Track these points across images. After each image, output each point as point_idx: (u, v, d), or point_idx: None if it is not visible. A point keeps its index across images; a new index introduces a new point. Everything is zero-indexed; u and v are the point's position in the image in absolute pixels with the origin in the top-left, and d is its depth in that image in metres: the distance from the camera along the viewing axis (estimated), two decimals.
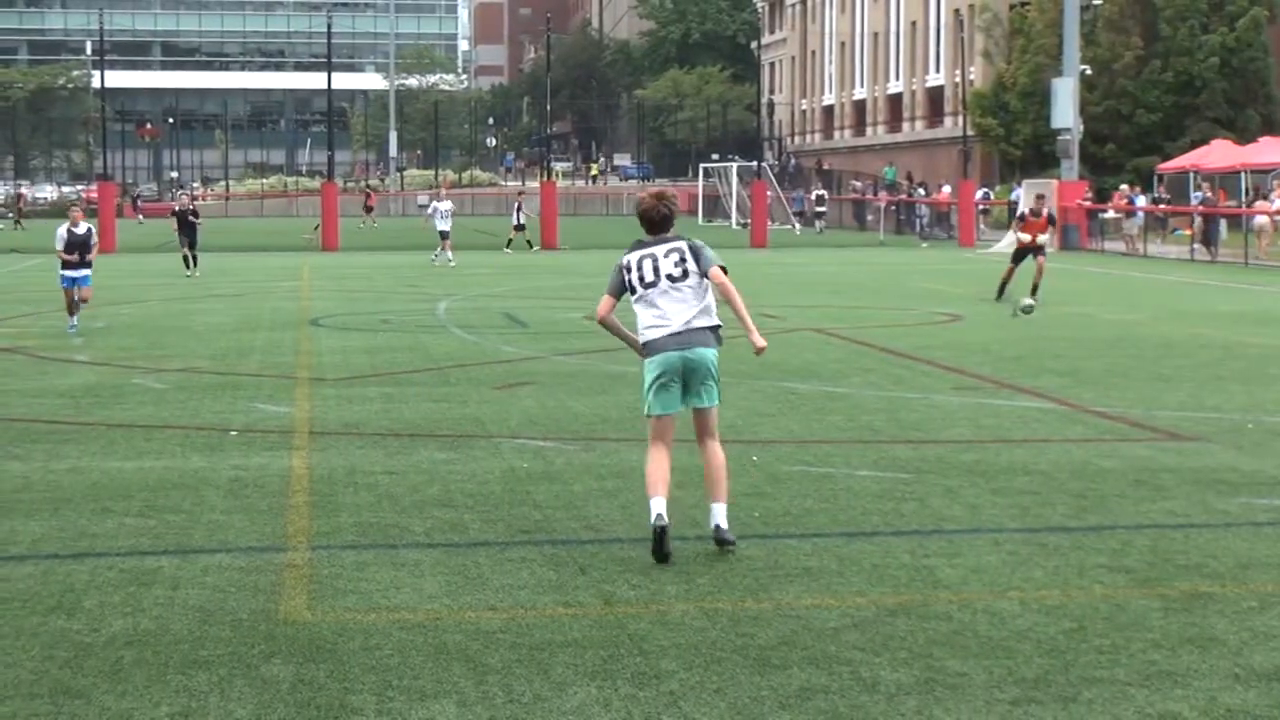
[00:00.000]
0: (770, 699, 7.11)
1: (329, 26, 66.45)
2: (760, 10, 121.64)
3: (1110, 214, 55.98)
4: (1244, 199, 55.46)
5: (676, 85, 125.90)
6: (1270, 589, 9.05)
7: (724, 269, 9.95)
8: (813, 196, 74.93)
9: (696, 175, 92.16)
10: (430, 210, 52.33)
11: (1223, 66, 68.68)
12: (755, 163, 73.30)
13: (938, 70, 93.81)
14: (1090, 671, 7.51)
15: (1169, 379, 18.72)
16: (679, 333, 9.81)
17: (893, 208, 73.45)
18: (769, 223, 64.01)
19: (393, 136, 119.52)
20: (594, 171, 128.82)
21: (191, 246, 40.85)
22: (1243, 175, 57.77)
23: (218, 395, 17.25)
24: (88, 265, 24.94)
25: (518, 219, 55.40)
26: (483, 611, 8.53)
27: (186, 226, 40.86)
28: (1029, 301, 25.81)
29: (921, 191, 74.70)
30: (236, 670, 7.53)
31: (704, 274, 9.90)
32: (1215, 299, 31.74)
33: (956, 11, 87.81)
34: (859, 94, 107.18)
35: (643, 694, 7.18)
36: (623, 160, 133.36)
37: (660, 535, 9.54)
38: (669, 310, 9.85)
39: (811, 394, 17.26)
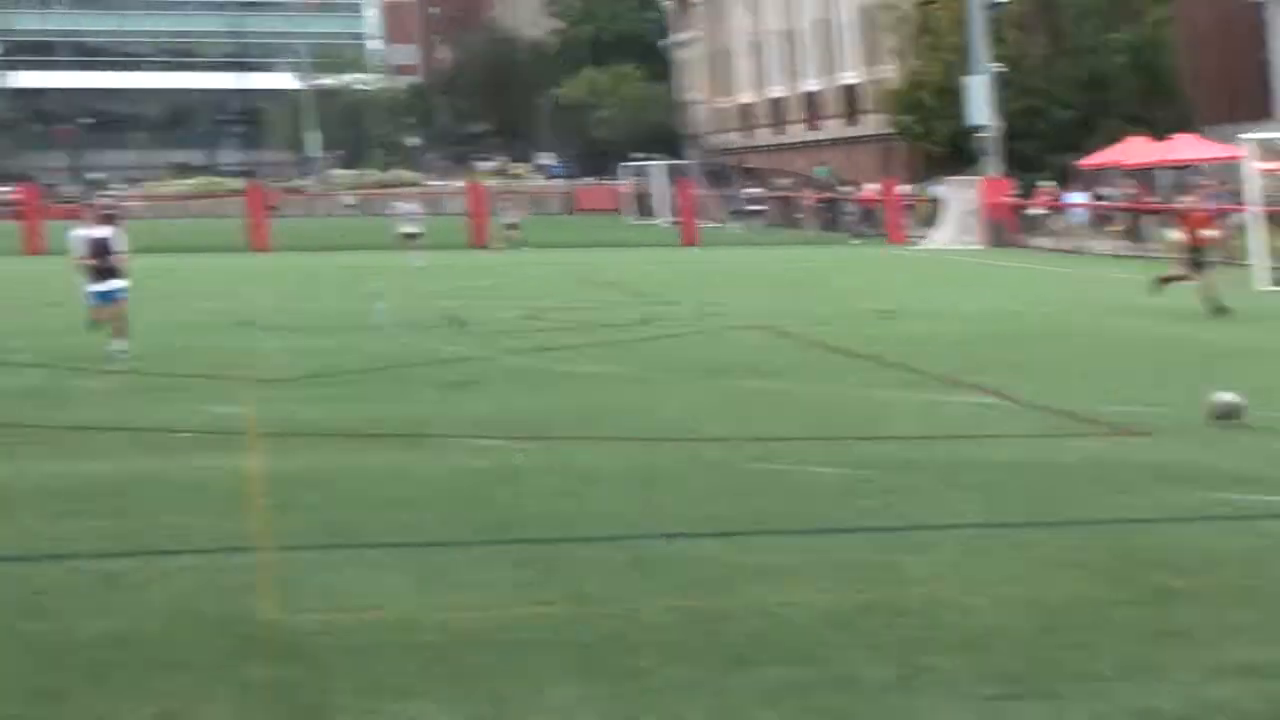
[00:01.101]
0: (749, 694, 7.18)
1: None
2: (667, 10, 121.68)
3: (1039, 210, 56.42)
4: (1165, 196, 55.92)
5: (593, 85, 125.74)
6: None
7: None
8: (753, 194, 75.01)
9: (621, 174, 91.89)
10: (388, 211, 50.92)
11: (1132, 64, 69.23)
12: (682, 161, 73.19)
13: (851, 68, 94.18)
14: (1069, 667, 7.57)
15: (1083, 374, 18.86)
16: None
17: (821, 205, 73.56)
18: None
19: (313, 136, 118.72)
20: (519, 172, 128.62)
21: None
22: (1162, 172, 58.29)
23: (164, 398, 17.10)
24: (117, 275, 21.51)
25: (508, 218, 55.60)
26: (457, 611, 8.54)
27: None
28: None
29: (849, 189, 74.79)
30: (214, 673, 7.50)
31: None
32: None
33: (864, 9, 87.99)
34: (775, 92, 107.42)
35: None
36: (547, 159, 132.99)
37: None
38: None
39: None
